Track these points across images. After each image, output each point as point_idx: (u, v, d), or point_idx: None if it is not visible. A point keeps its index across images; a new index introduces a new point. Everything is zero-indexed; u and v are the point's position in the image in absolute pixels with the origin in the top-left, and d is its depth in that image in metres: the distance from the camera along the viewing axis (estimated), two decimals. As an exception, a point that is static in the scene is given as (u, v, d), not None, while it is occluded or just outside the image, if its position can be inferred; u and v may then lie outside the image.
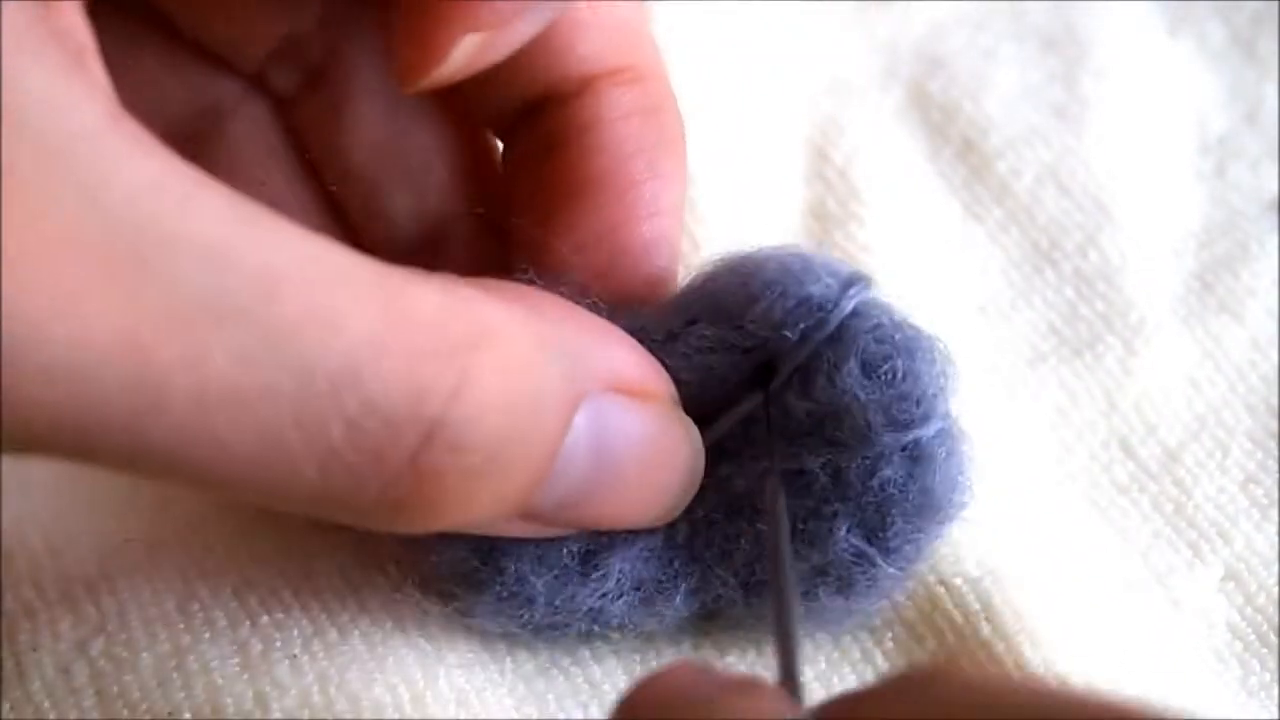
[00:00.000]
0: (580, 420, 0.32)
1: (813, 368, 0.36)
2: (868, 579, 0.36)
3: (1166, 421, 0.43)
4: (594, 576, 0.36)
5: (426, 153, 0.39)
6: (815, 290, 0.35)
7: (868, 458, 0.35)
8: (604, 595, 0.36)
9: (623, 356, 0.34)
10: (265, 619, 0.37)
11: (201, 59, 0.38)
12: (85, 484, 0.41)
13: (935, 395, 0.35)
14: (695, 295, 0.36)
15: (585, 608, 0.36)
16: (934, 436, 0.35)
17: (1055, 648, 0.37)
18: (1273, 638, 0.40)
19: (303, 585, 0.38)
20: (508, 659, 0.37)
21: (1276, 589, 0.40)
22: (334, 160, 0.38)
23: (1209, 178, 0.48)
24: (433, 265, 0.34)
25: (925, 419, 0.35)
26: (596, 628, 0.37)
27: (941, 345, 0.36)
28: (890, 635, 0.39)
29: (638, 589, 0.36)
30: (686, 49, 0.48)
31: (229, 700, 0.35)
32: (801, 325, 0.35)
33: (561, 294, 0.35)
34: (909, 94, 0.50)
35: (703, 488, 0.36)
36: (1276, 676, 0.39)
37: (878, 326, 0.35)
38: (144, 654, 0.36)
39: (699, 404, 0.36)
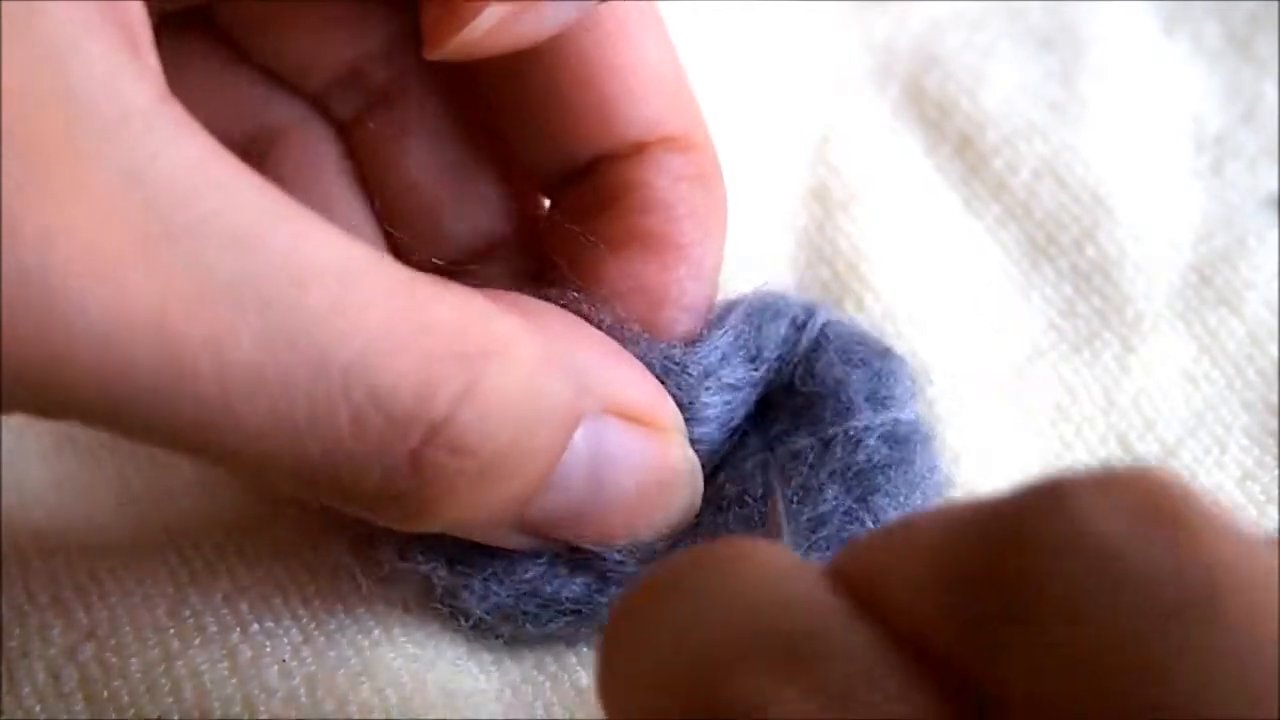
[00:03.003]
0: (580, 439, 0.33)
1: (804, 365, 0.39)
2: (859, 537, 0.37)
3: (1164, 418, 0.43)
4: (583, 568, 0.36)
5: (478, 191, 0.40)
6: (796, 312, 0.39)
7: (852, 431, 0.37)
8: (591, 586, 0.37)
9: (629, 381, 0.36)
10: (255, 626, 0.37)
11: (263, 80, 0.39)
12: (79, 486, 0.41)
13: (908, 391, 0.39)
14: (720, 334, 0.38)
15: (572, 597, 0.37)
16: (911, 421, 0.38)
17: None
18: (1271, 635, 0.40)
19: (293, 592, 0.38)
20: (494, 668, 0.37)
21: (1274, 586, 0.40)
22: (389, 185, 0.39)
23: (1206, 176, 0.48)
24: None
25: (903, 402, 0.38)
26: (582, 619, 0.37)
27: (909, 357, 0.39)
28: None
29: (626, 581, 0.37)
30: (686, 48, 0.48)
31: (217, 704, 0.35)
32: (792, 341, 0.39)
33: (600, 318, 0.37)
34: (906, 91, 0.50)
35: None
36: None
37: (853, 332, 0.39)
38: (133, 659, 0.36)
39: (719, 436, 0.38)
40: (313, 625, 0.37)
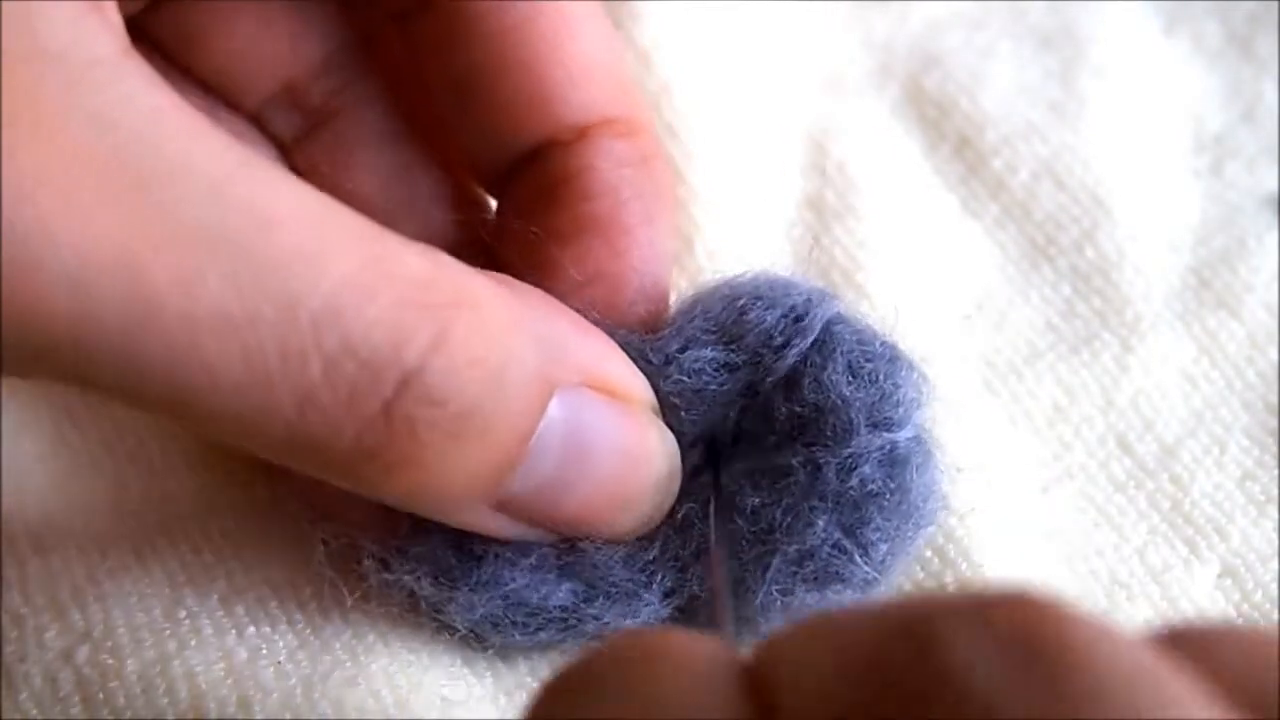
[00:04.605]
0: (555, 409, 0.33)
1: (798, 372, 0.37)
2: (844, 574, 0.36)
3: (1164, 418, 0.43)
4: (569, 576, 0.36)
5: (426, 197, 0.40)
6: (796, 301, 0.37)
7: (848, 456, 0.36)
8: (578, 595, 0.36)
9: (604, 354, 0.35)
10: (251, 629, 0.37)
11: (204, 95, 0.39)
12: (76, 489, 0.41)
13: (913, 402, 0.37)
14: (687, 319, 0.37)
15: (559, 605, 0.36)
16: (910, 441, 0.37)
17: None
18: (1270, 635, 0.40)
19: (289, 595, 0.38)
20: (488, 674, 0.37)
21: (1274, 586, 0.40)
22: (336, 197, 0.39)
23: (1205, 175, 0.48)
24: None
25: (903, 422, 0.37)
26: (570, 628, 0.37)
27: (918, 361, 0.38)
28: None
29: (612, 590, 0.36)
30: (685, 48, 0.48)
31: (212, 704, 0.35)
32: (786, 333, 0.37)
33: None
34: (905, 91, 0.50)
35: (679, 495, 0.37)
36: (1274, 675, 0.39)
37: (861, 333, 0.37)
38: (129, 661, 0.36)
39: (688, 424, 0.37)
40: (308, 629, 0.37)
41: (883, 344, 0.37)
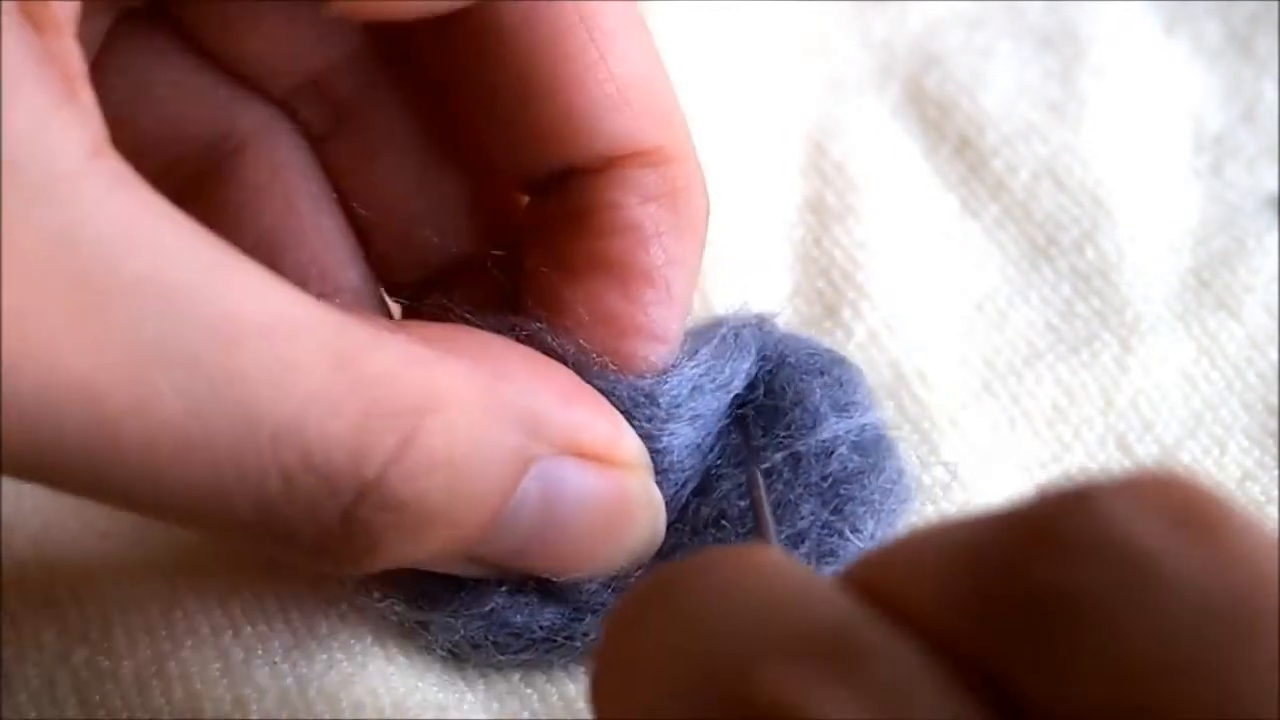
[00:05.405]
0: (531, 480, 0.32)
1: (760, 390, 0.39)
2: (838, 551, 0.37)
3: (1163, 419, 0.43)
4: (553, 598, 0.36)
5: (453, 195, 0.39)
6: (763, 343, 0.39)
7: (822, 442, 0.37)
8: (564, 615, 0.36)
9: (589, 420, 0.35)
10: (248, 629, 0.37)
11: (232, 81, 0.38)
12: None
13: (867, 397, 0.39)
14: (689, 364, 0.37)
15: (547, 626, 0.36)
16: (876, 425, 0.39)
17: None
18: (1270, 636, 0.40)
19: (286, 594, 0.38)
20: (480, 680, 0.37)
21: (1274, 587, 0.40)
22: (362, 197, 0.38)
23: (1205, 175, 0.48)
24: (449, 297, 0.36)
25: (865, 408, 0.39)
26: (556, 647, 0.37)
27: (861, 369, 0.40)
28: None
29: (600, 608, 0.36)
30: (686, 48, 0.48)
31: (208, 704, 0.35)
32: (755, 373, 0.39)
33: (565, 349, 0.36)
34: (906, 91, 0.50)
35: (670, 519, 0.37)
36: (1274, 675, 0.39)
37: (806, 344, 0.40)
38: (125, 662, 0.36)
39: (685, 470, 0.38)
40: (304, 628, 0.37)
41: (828, 353, 0.40)
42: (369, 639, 0.37)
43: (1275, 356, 0.44)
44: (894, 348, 0.44)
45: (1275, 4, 0.51)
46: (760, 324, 0.39)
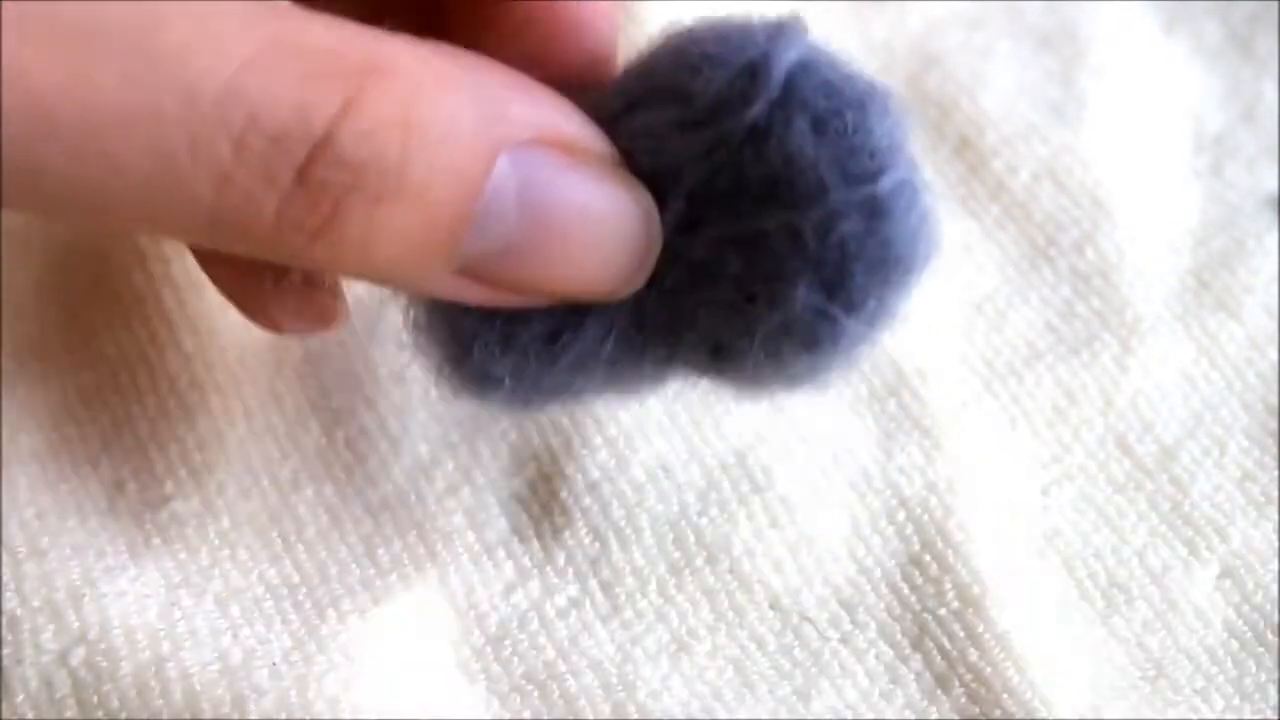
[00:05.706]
0: (505, 167, 0.31)
1: (763, 130, 0.33)
2: (832, 336, 0.34)
3: (1163, 419, 0.43)
4: (557, 358, 0.35)
5: None
6: (752, 55, 0.33)
7: (824, 215, 0.33)
8: (570, 372, 0.35)
9: (555, 108, 0.33)
10: (246, 629, 0.37)
11: None
12: (71, 488, 0.41)
13: (890, 147, 0.33)
14: (636, 76, 0.35)
15: (554, 384, 0.35)
16: (892, 190, 0.33)
17: (1041, 668, 0.38)
18: (1270, 636, 0.40)
19: (285, 595, 0.38)
20: (482, 676, 0.37)
21: (1274, 587, 0.40)
22: None
23: (1205, 176, 0.48)
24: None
25: (881, 172, 0.33)
26: (569, 402, 0.36)
27: (893, 96, 0.34)
28: (874, 654, 0.39)
29: (604, 365, 0.35)
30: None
31: (207, 705, 0.35)
32: (742, 93, 0.33)
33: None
34: (905, 91, 0.50)
35: (661, 261, 0.34)
36: (1274, 676, 0.39)
37: (825, 82, 0.33)
38: (124, 663, 0.36)
39: (652, 184, 0.34)
40: (303, 630, 0.37)
41: (851, 89, 0.33)
42: (369, 640, 0.37)
43: (1275, 357, 0.44)
44: (894, 348, 0.44)
45: (1275, 4, 0.51)
46: (765, 45, 0.33)
